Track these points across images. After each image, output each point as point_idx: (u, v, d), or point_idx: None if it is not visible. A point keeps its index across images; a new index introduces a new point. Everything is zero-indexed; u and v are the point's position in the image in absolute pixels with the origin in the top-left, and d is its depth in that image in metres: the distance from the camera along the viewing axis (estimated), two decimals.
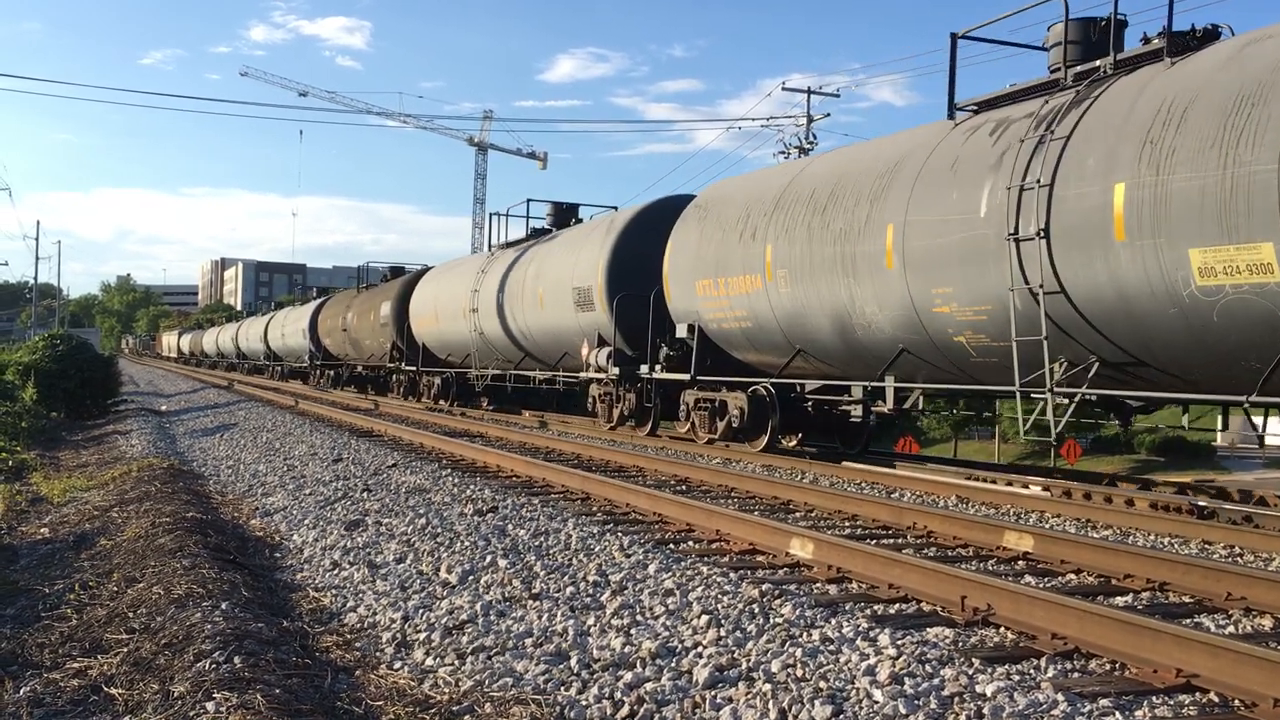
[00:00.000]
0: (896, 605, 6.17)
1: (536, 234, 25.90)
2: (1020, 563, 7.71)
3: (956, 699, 4.26)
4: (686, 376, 16.72)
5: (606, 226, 20.89)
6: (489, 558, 7.37)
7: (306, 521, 9.47)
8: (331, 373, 43.63)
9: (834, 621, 5.49)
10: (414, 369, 32.37)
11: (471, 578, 6.79)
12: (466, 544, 7.92)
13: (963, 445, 41.73)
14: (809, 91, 45.66)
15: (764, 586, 6.28)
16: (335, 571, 7.35)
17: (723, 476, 12.33)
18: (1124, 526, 9.54)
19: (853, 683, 4.50)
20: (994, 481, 12.90)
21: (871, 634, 5.23)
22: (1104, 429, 38.50)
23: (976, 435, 43.99)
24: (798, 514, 10.13)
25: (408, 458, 14.38)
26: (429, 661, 5.12)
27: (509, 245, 26.96)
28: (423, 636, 5.49)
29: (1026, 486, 12.48)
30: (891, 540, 8.57)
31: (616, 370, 18.89)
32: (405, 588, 6.66)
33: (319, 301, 47.89)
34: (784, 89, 48.88)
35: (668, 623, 5.58)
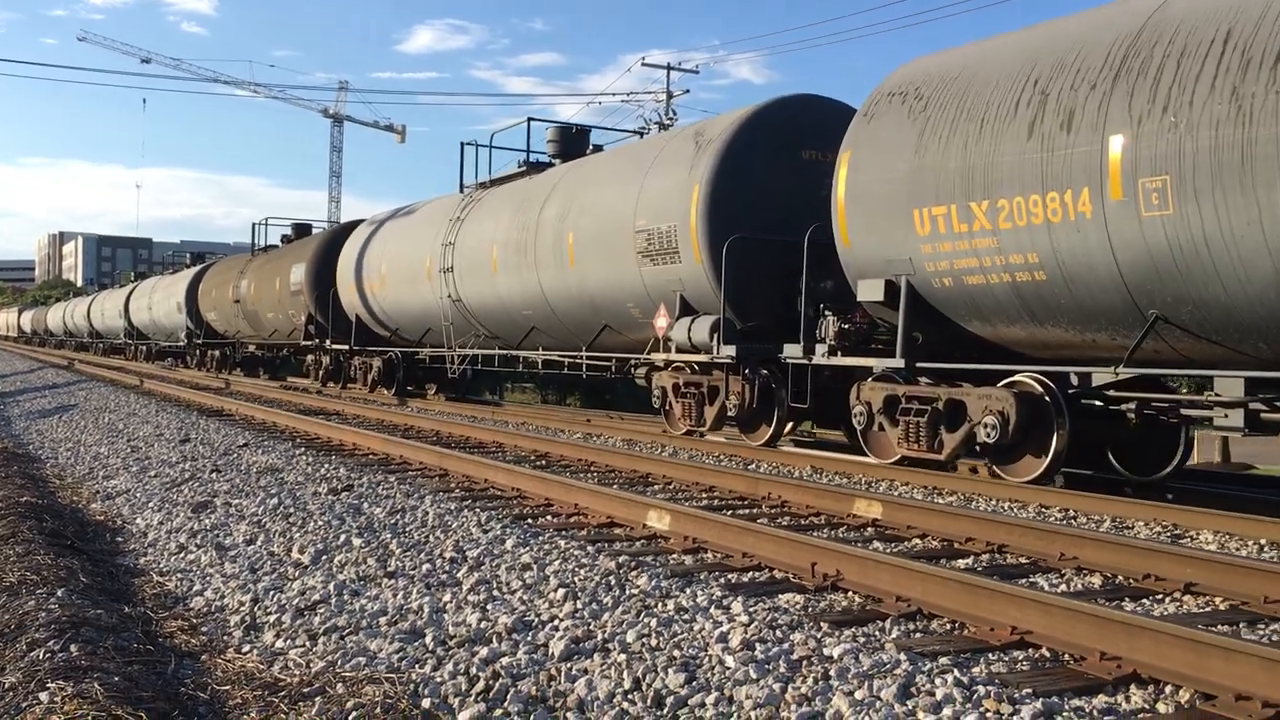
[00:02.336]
0: (750, 574, 6.30)
1: (534, 168, 20.03)
2: (869, 529, 7.95)
3: (804, 662, 4.37)
4: (896, 363, 10.89)
5: (695, 140, 14.65)
6: (343, 537, 7.24)
7: (151, 504, 9.15)
8: (216, 353, 37.84)
9: (689, 591, 5.56)
10: (344, 348, 26.33)
11: (325, 557, 6.66)
12: (320, 523, 7.76)
13: None
14: (669, 68, 45.82)
15: (621, 559, 6.33)
16: (181, 555, 7.12)
17: (583, 451, 12.36)
18: (968, 492, 9.92)
19: (706, 650, 4.58)
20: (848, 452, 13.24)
21: (725, 602, 5.33)
22: None
23: None
24: (656, 487, 10.23)
25: (260, 437, 14.00)
26: (279, 644, 5.01)
27: (493, 183, 21.16)
28: (273, 618, 5.37)
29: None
30: (747, 510, 8.73)
31: (732, 350, 13.18)
32: (255, 569, 6.49)
33: (198, 269, 41.47)
34: (644, 64, 49.07)
35: (525, 597, 5.58)
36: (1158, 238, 8.48)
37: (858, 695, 3.97)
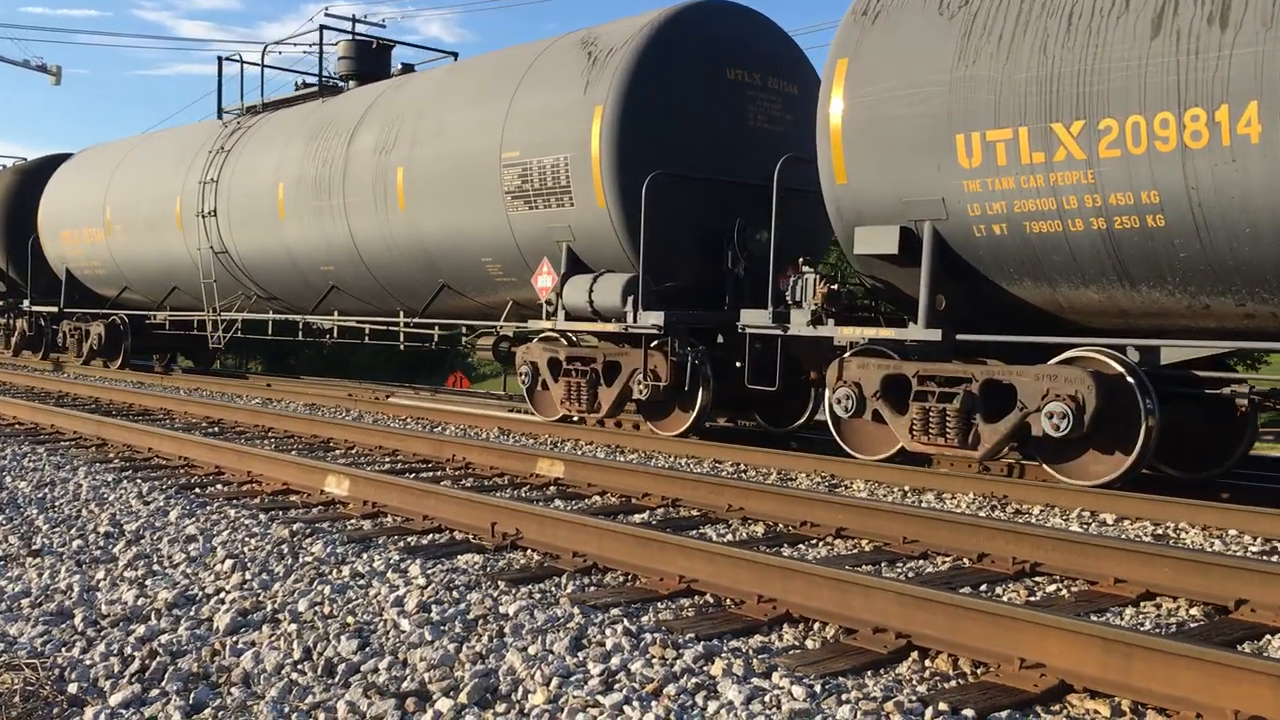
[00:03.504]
0: (430, 536, 6.26)
1: (328, 90, 16.90)
2: (551, 488, 8.08)
3: (480, 621, 4.39)
4: (928, 335, 8.69)
5: (585, 50, 11.77)
6: None
7: None
8: None
9: (365, 556, 5.46)
10: (49, 310, 22.02)
11: None
12: None
13: (512, 379, 42.87)
14: (354, 19, 44.24)
15: (295, 526, 6.12)
16: None
17: (260, 416, 11.84)
18: (649, 450, 10.28)
19: (381, 615, 4.51)
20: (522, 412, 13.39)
21: (403, 566, 5.27)
22: None
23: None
24: (337, 451, 9.96)
25: None
26: None
27: (268, 107, 17.83)
28: None
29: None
30: (431, 473, 8.67)
31: (658, 318, 10.67)
32: None
33: None
34: (327, 14, 47.07)
35: (189, 570, 5.29)
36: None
37: (531, 650, 4.03)
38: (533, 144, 11.82)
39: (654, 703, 3.53)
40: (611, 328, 11.20)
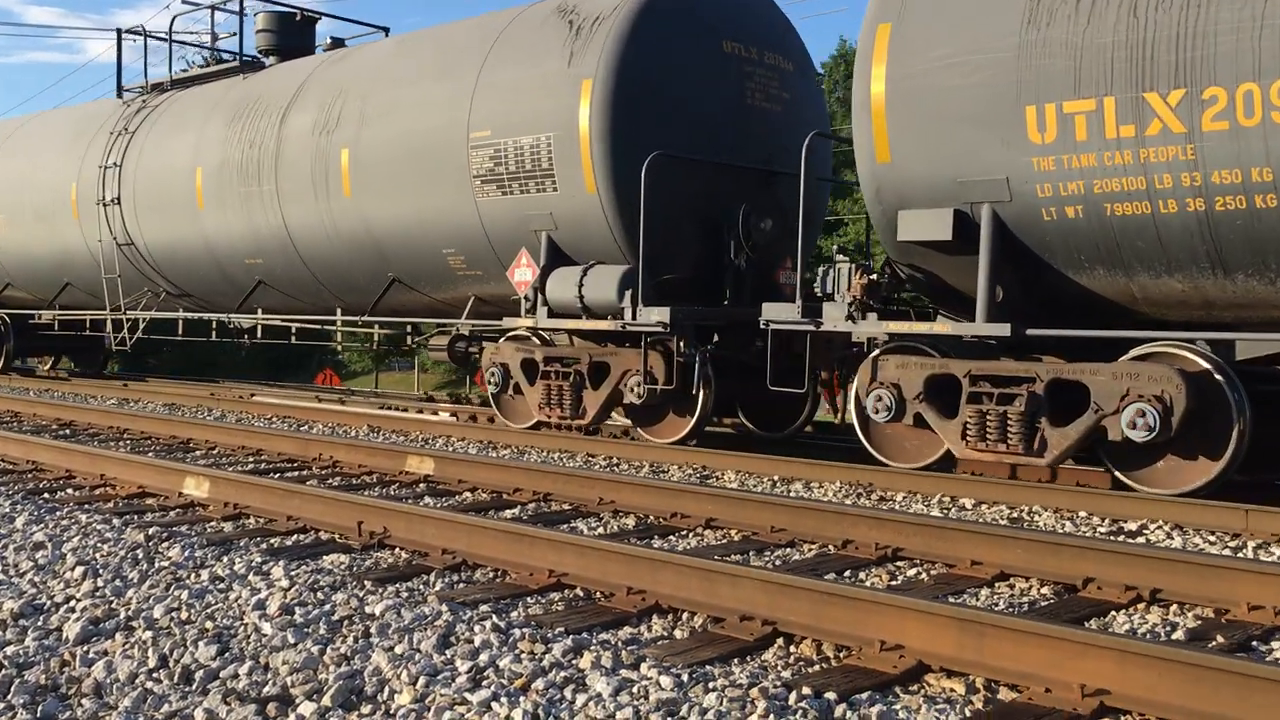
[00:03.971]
0: (294, 537, 6.12)
1: (249, 65, 15.60)
2: (422, 485, 7.98)
3: (346, 622, 4.31)
4: (995, 330, 7.82)
5: (566, 19, 10.69)
6: None
7: None
8: None
9: (226, 559, 5.31)
10: None
11: None
12: None
13: (383, 377, 42.26)
14: (213, 8, 42.89)
15: (151, 530, 5.91)
16: None
17: (114, 417, 11.42)
18: (521, 445, 10.22)
19: (241, 619, 4.39)
20: (405, 410, 13.22)
21: (265, 568, 5.14)
22: None
23: (397, 366, 44.77)
24: (198, 452, 9.66)
25: None
26: None
27: (177, 84, 16.32)
28: None
29: (436, 414, 12.93)
30: (296, 473, 8.47)
31: (662, 314, 9.59)
32: None
33: None
34: (184, 1, 45.49)
35: (36, 579, 5.07)
36: None
37: (398, 650, 3.97)
38: (508, 122, 10.66)
39: (522, 698, 3.51)
40: (606, 325, 10.02)
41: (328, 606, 4.51)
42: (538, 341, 10.88)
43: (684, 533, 6.46)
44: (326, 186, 12.44)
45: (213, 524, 6.48)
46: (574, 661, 3.83)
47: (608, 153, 9.97)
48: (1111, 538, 6.36)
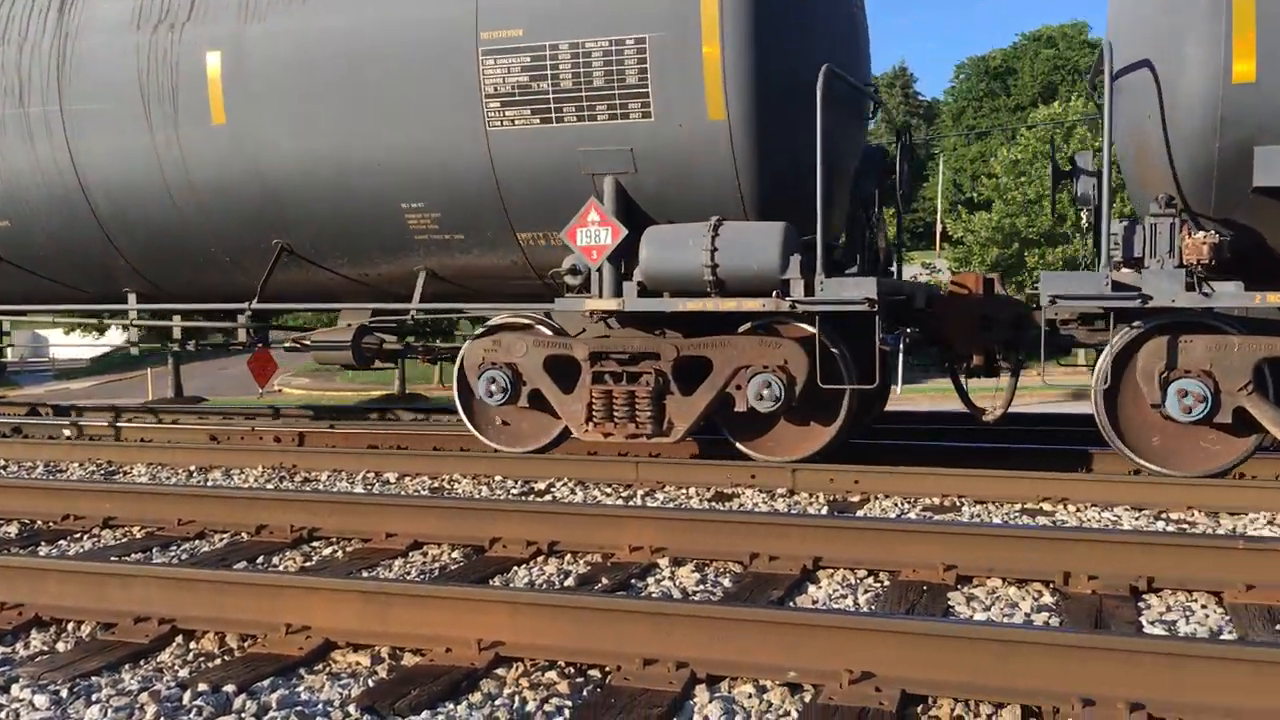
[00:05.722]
0: None
1: None
2: None
3: None
4: None
5: None
6: None
7: None
8: None
9: None
10: None
11: None
12: None
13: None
14: None
15: None
16: None
17: None
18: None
19: None
20: None
21: None
22: None
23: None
24: None
25: None
26: None
27: None
28: None
29: None
30: None
31: (865, 292, 6.99)
32: None
33: None
34: None
35: None
36: None
37: None
38: (562, 14, 7.55)
39: None
40: (753, 305, 7.27)
41: None
42: (548, 331, 8.11)
43: (78, 535, 5.89)
44: (174, 107, 8.61)
45: None
46: None
47: (754, 63, 7.22)
48: (522, 498, 6.75)
